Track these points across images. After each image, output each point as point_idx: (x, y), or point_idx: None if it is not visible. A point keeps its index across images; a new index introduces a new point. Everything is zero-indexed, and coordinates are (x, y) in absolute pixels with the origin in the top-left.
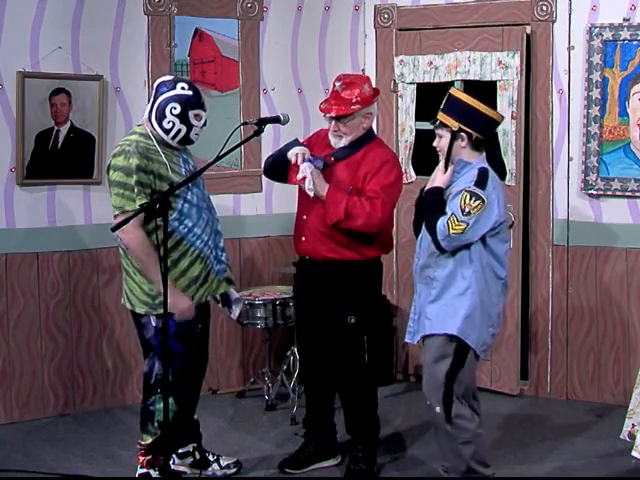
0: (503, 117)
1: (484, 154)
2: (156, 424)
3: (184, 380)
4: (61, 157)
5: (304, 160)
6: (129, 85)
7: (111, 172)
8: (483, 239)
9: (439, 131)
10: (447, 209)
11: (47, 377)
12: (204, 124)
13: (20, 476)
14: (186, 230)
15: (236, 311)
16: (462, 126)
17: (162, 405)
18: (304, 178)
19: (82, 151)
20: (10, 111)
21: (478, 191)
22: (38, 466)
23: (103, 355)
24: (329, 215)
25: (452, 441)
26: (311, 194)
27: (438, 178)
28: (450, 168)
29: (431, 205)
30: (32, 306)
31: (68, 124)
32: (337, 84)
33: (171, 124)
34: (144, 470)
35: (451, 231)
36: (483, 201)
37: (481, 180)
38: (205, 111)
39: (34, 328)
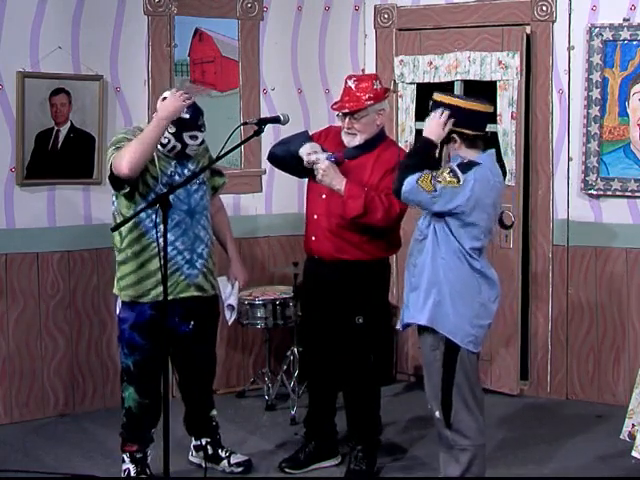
0: (492, 106)
1: (488, 152)
2: (123, 411)
3: (146, 373)
4: (61, 157)
5: (317, 157)
6: (129, 85)
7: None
8: (448, 225)
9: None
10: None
11: (47, 377)
12: (201, 143)
13: (20, 476)
14: (152, 225)
15: (228, 316)
16: (452, 128)
17: (127, 393)
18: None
19: (82, 151)
20: (10, 111)
21: (458, 171)
22: (38, 466)
23: (103, 355)
24: (348, 209)
25: (450, 447)
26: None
27: (434, 130)
28: (450, 122)
29: (418, 155)
30: (32, 306)
31: (68, 124)
32: (349, 82)
33: (166, 140)
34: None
35: (420, 182)
36: (458, 181)
37: (466, 165)
38: (202, 132)
39: (34, 328)
